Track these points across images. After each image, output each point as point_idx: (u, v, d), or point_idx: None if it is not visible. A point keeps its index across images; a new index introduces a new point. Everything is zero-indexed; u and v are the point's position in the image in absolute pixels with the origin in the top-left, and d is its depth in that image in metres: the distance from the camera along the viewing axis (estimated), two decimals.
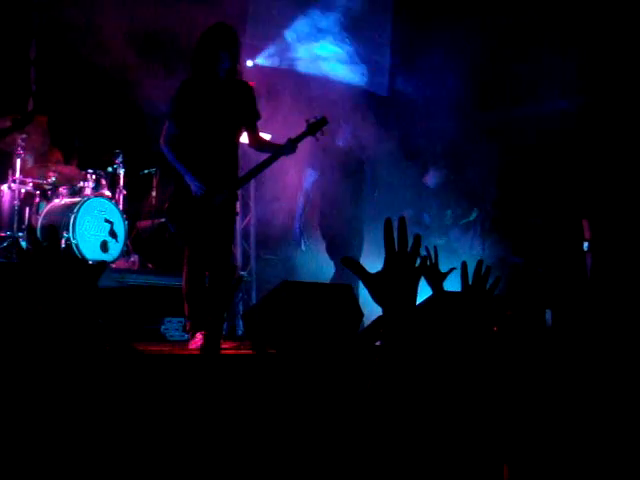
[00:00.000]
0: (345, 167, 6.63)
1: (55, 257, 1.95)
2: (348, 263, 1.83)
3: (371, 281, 1.85)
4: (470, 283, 2.45)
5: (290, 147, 5.26)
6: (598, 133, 8.77)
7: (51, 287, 2.00)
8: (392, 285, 1.82)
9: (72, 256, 6.30)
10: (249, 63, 7.91)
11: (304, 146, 5.57)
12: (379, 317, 2.08)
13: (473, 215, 8.58)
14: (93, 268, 2.11)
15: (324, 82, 8.70)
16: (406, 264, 1.86)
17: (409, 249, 1.87)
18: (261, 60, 8.20)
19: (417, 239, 1.88)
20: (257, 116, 5.31)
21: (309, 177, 6.63)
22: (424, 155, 8.43)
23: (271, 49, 8.34)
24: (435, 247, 2.07)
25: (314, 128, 5.35)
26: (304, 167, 6.88)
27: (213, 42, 5.06)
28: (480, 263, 2.61)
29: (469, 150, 8.99)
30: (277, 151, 5.29)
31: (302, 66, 8.66)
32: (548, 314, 6.90)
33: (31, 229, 6.27)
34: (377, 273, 1.91)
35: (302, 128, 5.34)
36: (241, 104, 5.21)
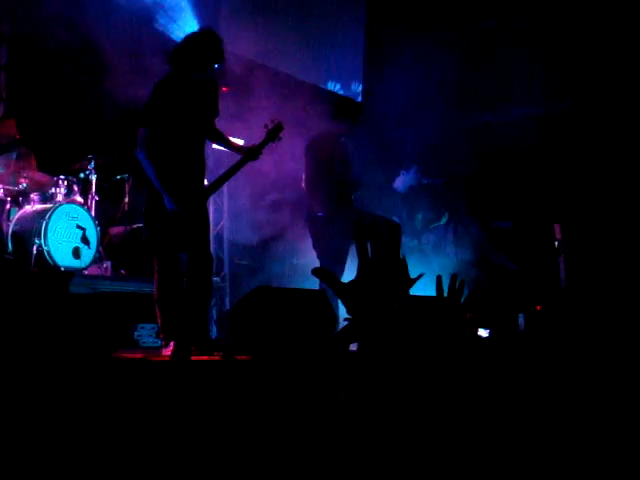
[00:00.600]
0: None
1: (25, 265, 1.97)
2: (319, 273, 1.84)
3: (343, 291, 1.84)
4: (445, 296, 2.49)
5: (254, 154, 5.29)
6: (570, 138, 8.83)
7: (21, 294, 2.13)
8: (365, 293, 1.83)
9: (42, 264, 6.25)
10: None
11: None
12: (350, 322, 2.06)
13: (443, 220, 8.58)
14: (62, 275, 2.05)
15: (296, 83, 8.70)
16: (379, 271, 1.87)
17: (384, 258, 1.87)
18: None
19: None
20: (217, 113, 5.30)
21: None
22: (394, 159, 8.42)
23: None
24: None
25: (273, 135, 5.36)
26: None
27: (206, 56, 5.05)
28: (454, 277, 2.60)
29: (440, 155, 9.03)
30: (243, 158, 5.28)
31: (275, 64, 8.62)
32: (521, 318, 6.88)
33: None
34: (350, 282, 1.88)
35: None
36: (210, 102, 5.20)
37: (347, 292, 1.90)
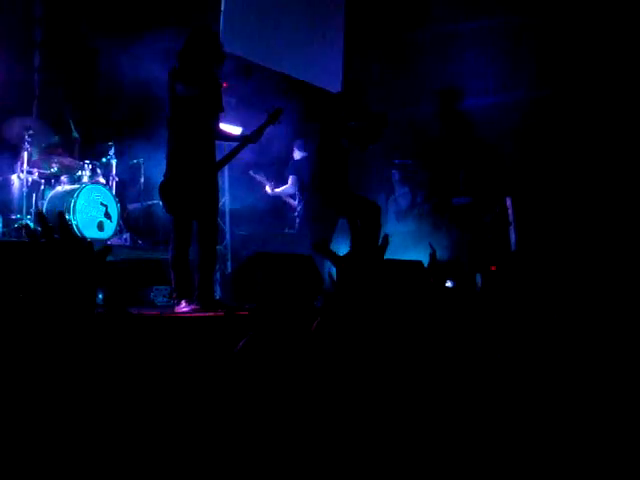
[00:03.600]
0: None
1: (67, 237, 1.95)
2: (318, 248, 1.98)
3: (339, 261, 1.92)
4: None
5: (256, 136, 5.30)
6: (522, 123, 9.09)
7: (62, 263, 2.05)
8: (357, 262, 1.90)
9: (79, 237, 6.44)
10: None
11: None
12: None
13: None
14: (101, 250, 2.14)
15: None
16: (367, 243, 1.93)
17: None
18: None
19: (385, 238, 1.94)
20: (222, 108, 5.34)
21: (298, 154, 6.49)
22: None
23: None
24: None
25: (274, 117, 5.33)
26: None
27: (207, 58, 5.09)
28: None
29: (411, 138, 9.22)
30: (244, 140, 5.31)
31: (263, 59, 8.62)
32: (478, 277, 7.19)
33: (40, 213, 6.38)
34: (344, 255, 2.06)
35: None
36: (214, 95, 5.24)
37: (342, 262, 1.90)
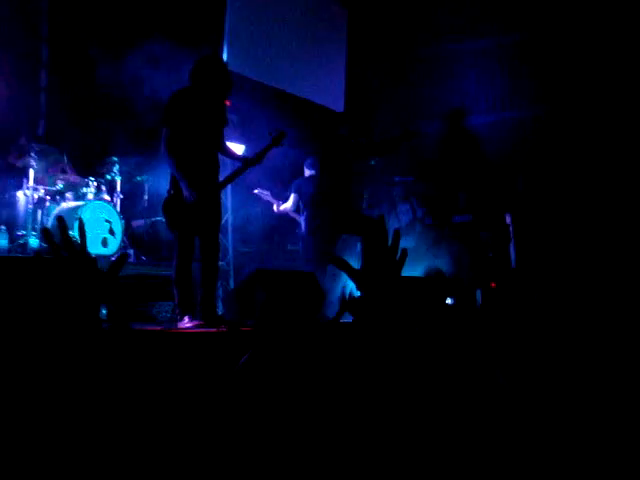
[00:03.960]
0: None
1: (72, 253, 2.04)
2: (336, 261, 1.97)
3: (357, 275, 2.00)
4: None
5: (257, 159, 5.33)
6: (520, 141, 9.17)
7: (67, 278, 2.02)
8: (373, 275, 1.86)
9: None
10: None
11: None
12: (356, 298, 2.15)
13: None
14: (115, 262, 2.14)
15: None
16: (386, 258, 1.89)
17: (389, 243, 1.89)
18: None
19: (396, 234, 1.92)
20: (226, 122, 5.41)
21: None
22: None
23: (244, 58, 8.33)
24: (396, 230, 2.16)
25: (277, 141, 5.36)
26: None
27: (219, 91, 5.18)
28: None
29: (412, 155, 9.27)
30: (247, 162, 5.32)
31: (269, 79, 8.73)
32: (478, 294, 7.19)
33: (45, 229, 6.40)
34: (359, 268, 2.04)
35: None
36: (219, 112, 5.30)
37: (359, 275, 1.89)
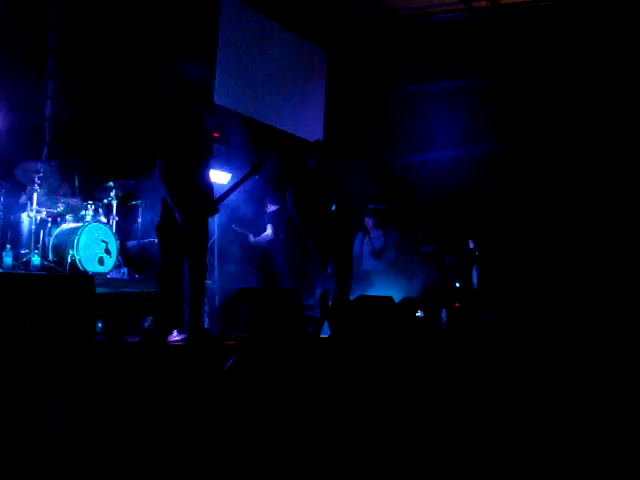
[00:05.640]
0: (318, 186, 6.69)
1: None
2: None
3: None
4: None
5: (240, 183, 5.55)
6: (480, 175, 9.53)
7: (65, 295, 2.07)
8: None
9: (75, 269, 6.54)
10: None
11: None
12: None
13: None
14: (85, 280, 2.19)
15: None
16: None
17: None
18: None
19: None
20: (212, 154, 5.62)
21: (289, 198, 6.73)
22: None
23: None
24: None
25: (256, 168, 5.57)
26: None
27: (198, 114, 5.42)
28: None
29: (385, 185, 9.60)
30: (231, 187, 5.57)
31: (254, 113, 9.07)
32: (444, 313, 7.45)
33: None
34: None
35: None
36: (206, 143, 5.52)
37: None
